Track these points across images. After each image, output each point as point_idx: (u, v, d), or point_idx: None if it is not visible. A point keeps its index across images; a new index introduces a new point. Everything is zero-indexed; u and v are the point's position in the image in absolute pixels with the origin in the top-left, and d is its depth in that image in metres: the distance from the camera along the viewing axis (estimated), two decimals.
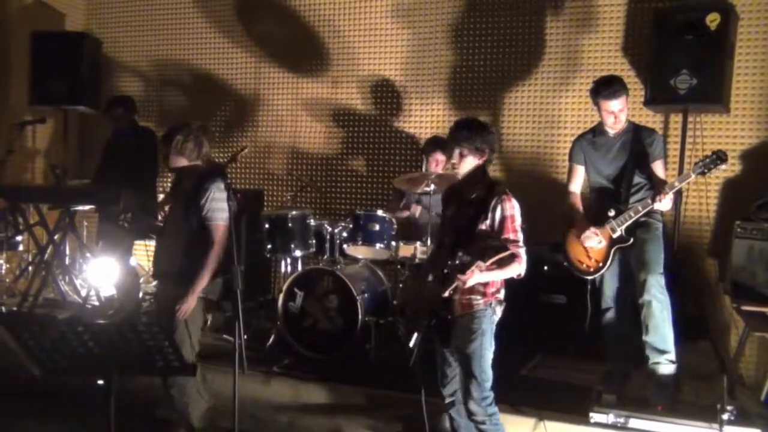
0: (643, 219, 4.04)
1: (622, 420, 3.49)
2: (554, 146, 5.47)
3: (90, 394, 2.71)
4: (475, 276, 3.02)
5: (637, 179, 4.07)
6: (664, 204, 3.86)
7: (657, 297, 3.97)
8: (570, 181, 4.31)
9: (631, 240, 4.01)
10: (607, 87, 4.00)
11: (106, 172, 5.65)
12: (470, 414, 3.22)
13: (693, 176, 3.80)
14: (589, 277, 4.17)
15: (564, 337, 4.49)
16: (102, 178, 5.70)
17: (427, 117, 5.88)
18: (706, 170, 3.76)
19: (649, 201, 3.89)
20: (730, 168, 4.96)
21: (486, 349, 3.19)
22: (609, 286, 4.18)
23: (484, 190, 3.25)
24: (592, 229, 4.03)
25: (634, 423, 3.48)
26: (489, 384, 3.20)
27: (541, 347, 4.26)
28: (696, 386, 3.83)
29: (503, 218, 3.15)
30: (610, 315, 4.21)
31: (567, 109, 5.42)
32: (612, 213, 4.02)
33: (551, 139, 5.48)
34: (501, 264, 3.02)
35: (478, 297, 3.20)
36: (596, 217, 4.10)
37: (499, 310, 3.24)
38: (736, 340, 4.66)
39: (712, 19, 4.53)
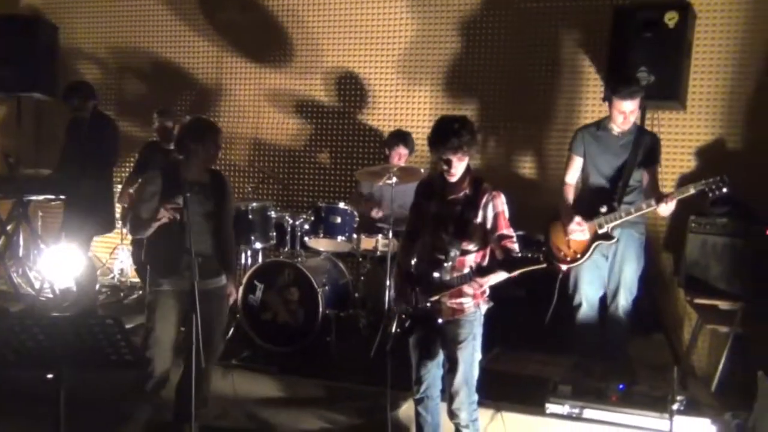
0: (631, 229, 4.10)
1: (577, 410, 3.56)
2: (514, 140, 5.51)
3: (39, 389, 2.64)
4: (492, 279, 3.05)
5: (633, 181, 4.12)
6: (669, 207, 3.89)
7: (626, 311, 4.16)
8: (567, 172, 4.31)
9: (615, 239, 4.06)
10: (626, 86, 4.02)
11: (68, 160, 5.50)
12: (453, 416, 3.21)
13: (693, 191, 3.86)
14: (564, 266, 4.21)
15: (523, 329, 4.53)
16: (64, 166, 5.54)
17: (390, 110, 5.87)
18: (707, 189, 3.81)
19: (651, 203, 3.92)
20: (686, 163, 5.07)
21: (476, 352, 3.20)
22: (584, 282, 4.23)
23: (472, 186, 3.19)
24: (578, 219, 4.06)
25: (588, 413, 3.55)
26: (475, 387, 3.20)
27: (500, 340, 4.29)
28: (650, 377, 3.91)
29: (496, 214, 3.12)
30: (583, 310, 4.27)
31: (527, 102, 5.46)
32: (604, 209, 4.04)
33: (513, 133, 5.51)
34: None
35: (468, 299, 3.17)
36: (586, 211, 4.13)
37: (485, 309, 3.23)
38: (689, 333, 4.78)
39: (671, 18, 4.61)
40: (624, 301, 4.16)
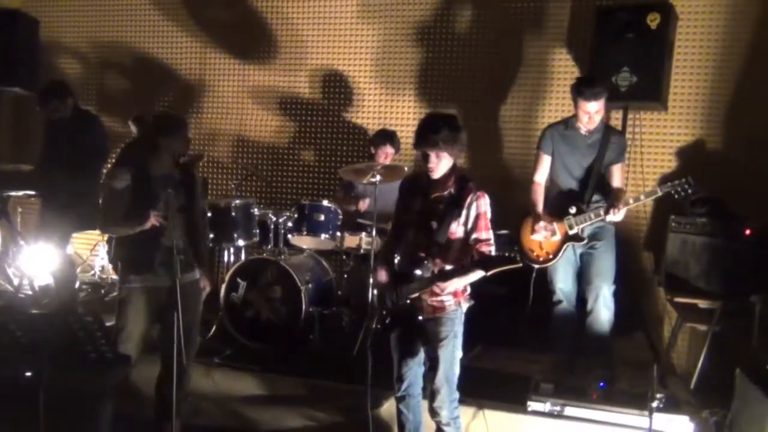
0: (601, 223, 4.13)
1: (558, 408, 3.58)
2: (499, 139, 5.53)
3: (18, 387, 2.61)
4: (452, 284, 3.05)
5: (601, 180, 4.15)
6: (619, 216, 3.95)
7: (607, 306, 4.17)
8: (536, 170, 4.34)
9: (585, 240, 4.10)
10: (589, 87, 4.04)
11: (49, 158, 5.42)
12: (435, 414, 3.22)
13: (660, 193, 3.92)
14: (537, 266, 4.24)
15: (504, 327, 4.55)
16: (45, 163, 5.46)
17: (375, 108, 5.87)
18: (673, 191, 3.87)
19: (601, 213, 3.98)
20: (667, 164, 5.12)
21: (457, 350, 3.20)
22: (561, 280, 4.26)
23: (457, 186, 3.19)
24: (542, 224, 4.09)
25: (569, 411, 3.57)
26: (456, 385, 3.21)
27: (481, 337, 4.31)
28: (630, 375, 3.95)
29: (478, 215, 3.12)
30: (560, 308, 4.30)
31: (510, 102, 5.48)
32: (573, 210, 4.08)
33: (495, 132, 5.54)
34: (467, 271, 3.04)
35: (449, 297, 3.16)
36: (556, 211, 4.17)
37: (466, 307, 3.24)
38: (669, 331, 4.83)
39: (653, 19, 4.65)
40: (607, 293, 4.17)
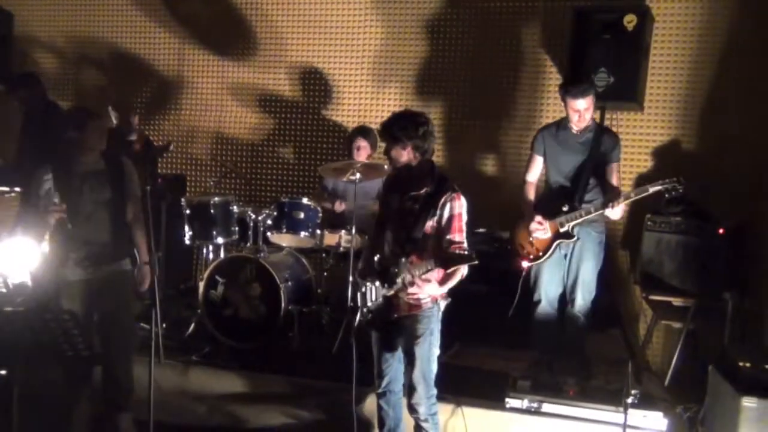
0: (589, 228, 4.17)
1: (535, 405, 3.62)
2: (478, 137, 5.56)
3: None
4: (427, 288, 3.07)
5: (593, 180, 4.18)
6: (616, 212, 3.98)
7: (582, 310, 4.22)
8: (527, 171, 4.39)
9: (576, 238, 4.14)
10: (575, 86, 4.10)
11: (25, 152, 5.34)
12: (413, 411, 3.24)
13: (650, 191, 3.95)
14: (526, 263, 4.27)
15: (483, 325, 4.58)
16: (22, 159, 5.38)
17: (355, 106, 5.86)
18: (663, 189, 3.91)
19: (599, 207, 4.02)
20: (643, 163, 5.19)
21: (434, 347, 3.21)
22: (546, 281, 4.29)
23: (434, 185, 3.20)
24: (538, 218, 4.13)
25: (547, 407, 3.61)
26: (433, 382, 3.23)
27: (460, 336, 4.34)
28: (606, 372, 4.00)
29: (451, 216, 3.13)
30: (541, 306, 4.33)
31: (490, 101, 5.51)
32: (566, 208, 4.12)
33: (477, 131, 5.57)
34: (450, 275, 3.08)
35: (426, 296, 3.17)
36: (548, 210, 4.20)
37: (443, 305, 3.25)
38: (645, 329, 4.90)
39: (629, 20, 4.70)
40: (581, 299, 4.23)
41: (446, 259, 2.99)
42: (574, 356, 4.25)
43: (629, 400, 3.11)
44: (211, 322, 4.64)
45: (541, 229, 4.13)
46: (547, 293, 4.32)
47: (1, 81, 5.88)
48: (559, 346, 4.32)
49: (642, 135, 5.19)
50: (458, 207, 3.15)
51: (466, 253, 2.97)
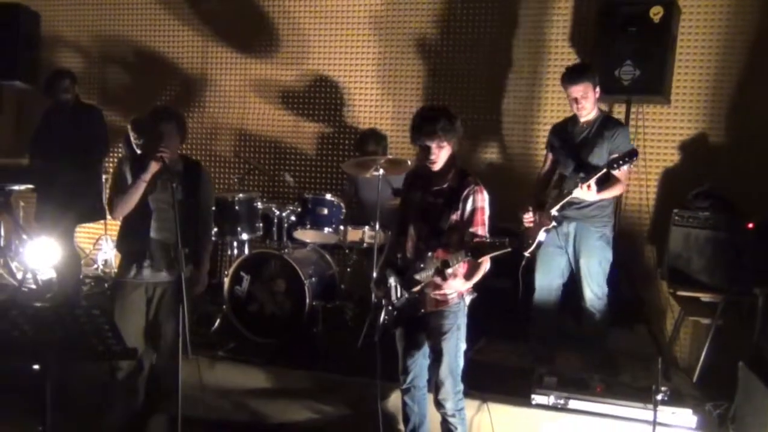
0: (587, 223, 4.09)
1: (562, 401, 3.59)
2: (502, 134, 5.53)
3: (24, 381, 2.61)
4: (453, 283, 3.03)
5: (588, 170, 4.07)
6: (585, 193, 3.86)
7: (594, 307, 4.16)
8: (541, 167, 4.40)
9: (556, 224, 4.06)
10: (570, 72, 4.07)
11: (44, 147, 5.39)
12: (440, 406, 3.23)
13: (605, 170, 3.84)
14: (526, 253, 4.23)
15: (508, 320, 4.57)
16: (38, 154, 5.43)
17: (376, 102, 5.86)
18: (617, 166, 3.80)
19: (571, 189, 3.93)
20: (670, 157, 5.12)
21: (461, 342, 3.20)
22: (537, 270, 4.28)
23: (456, 179, 3.18)
24: (528, 214, 4.11)
25: (573, 404, 3.59)
26: (460, 377, 3.21)
27: (485, 331, 4.32)
28: (633, 368, 3.96)
29: (474, 210, 3.11)
30: (535, 295, 4.31)
31: (512, 97, 5.48)
32: (553, 195, 4.11)
33: (499, 127, 5.54)
34: (476, 268, 3.04)
35: (452, 291, 3.16)
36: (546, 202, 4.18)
37: (469, 300, 3.23)
38: (671, 324, 4.84)
39: (656, 12, 4.65)
40: (591, 295, 4.15)
41: (478, 248, 2.92)
42: (592, 351, 4.22)
43: (659, 397, 3.07)
44: (237, 317, 4.67)
45: (527, 221, 4.11)
46: (540, 282, 4.27)
47: (29, 81, 5.97)
48: (570, 340, 4.28)
49: (669, 129, 5.12)
50: (480, 200, 3.14)
51: (496, 241, 2.90)
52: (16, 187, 5.69)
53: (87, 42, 6.62)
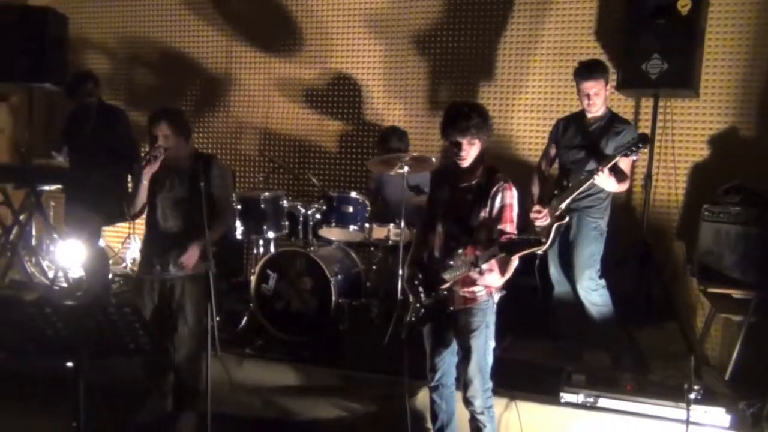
0: (585, 213, 4.07)
1: (591, 399, 3.56)
2: (527, 130, 5.49)
3: (58, 377, 2.66)
4: (488, 278, 3.00)
5: (593, 165, 4.04)
6: (602, 180, 3.83)
7: (590, 300, 4.12)
8: (541, 158, 4.37)
9: (567, 219, 4.04)
10: (584, 68, 4.04)
11: (70, 151, 5.47)
12: (468, 404, 3.21)
13: (618, 157, 3.82)
14: (539, 251, 4.19)
15: (534, 318, 4.54)
16: (69, 155, 5.51)
17: (401, 100, 5.85)
18: (629, 152, 3.79)
19: (587, 176, 3.91)
20: (699, 152, 5.04)
21: (490, 340, 3.18)
22: (551, 268, 4.26)
23: (485, 176, 3.15)
24: (536, 207, 4.09)
25: (603, 402, 3.55)
26: (489, 374, 3.20)
27: (511, 328, 4.29)
28: (663, 366, 3.91)
29: (503, 206, 3.08)
30: (553, 293, 4.29)
31: (536, 92, 5.44)
32: (557, 191, 4.07)
33: (525, 123, 5.50)
34: (508, 264, 3.00)
35: (481, 288, 3.14)
36: (547, 197, 4.16)
37: (497, 297, 3.21)
38: (702, 322, 4.77)
39: (684, 4, 4.58)
40: (584, 286, 4.11)
41: (512, 244, 2.88)
42: (621, 349, 4.19)
43: (692, 396, 3.03)
44: (263, 315, 4.69)
45: (540, 218, 4.07)
46: (555, 278, 4.27)
47: (58, 83, 6.06)
48: (595, 336, 4.24)
49: (697, 123, 5.05)
50: (509, 197, 3.11)
51: (531, 237, 2.88)
52: (46, 187, 5.80)
53: (113, 43, 6.71)
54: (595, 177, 3.85)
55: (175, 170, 3.66)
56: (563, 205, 4.01)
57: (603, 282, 4.15)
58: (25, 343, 2.56)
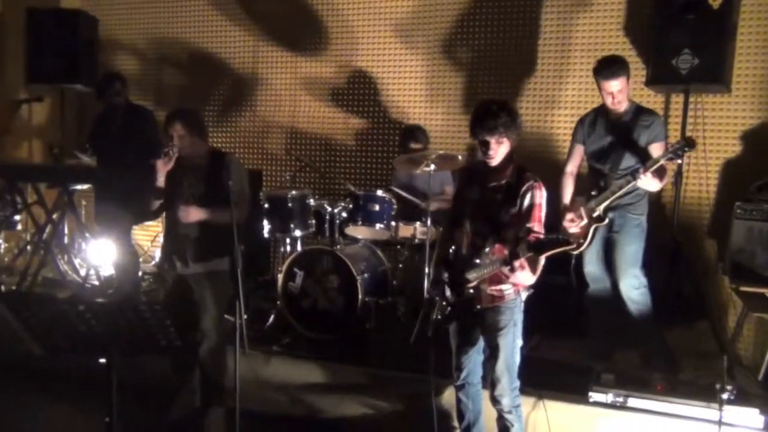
0: (625, 211, 4.02)
1: (621, 399, 3.52)
2: (554, 127, 5.44)
3: (91, 373, 2.71)
4: (520, 275, 2.96)
5: (628, 162, 4.00)
6: (646, 182, 3.79)
7: (631, 298, 4.07)
8: (567, 161, 4.30)
9: (606, 221, 4.00)
10: (606, 67, 3.97)
11: (98, 151, 5.55)
12: (496, 402, 3.20)
13: (662, 161, 3.75)
14: (575, 252, 4.17)
15: (562, 317, 4.50)
16: (97, 157, 5.61)
17: (426, 98, 5.84)
18: (674, 156, 3.73)
19: (630, 179, 3.85)
20: (731, 148, 4.95)
21: (517, 338, 3.17)
22: (587, 263, 4.21)
23: (515, 175, 3.13)
24: (569, 216, 4.05)
25: (632, 402, 3.51)
26: (516, 373, 3.19)
27: (539, 327, 4.26)
28: (694, 366, 3.85)
29: (531, 206, 3.06)
30: (589, 292, 4.25)
31: (569, 89, 5.39)
32: (594, 192, 4.02)
33: (551, 120, 5.45)
34: (537, 263, 2.97)
35: (508, 286, 3.12)
36: (587, 195, 4.10)
37: (525, 295, 3.20)
38: (734, 321, 4.69)
39: None
40: (627, 285, 4.07)
41: (541, 244, 2.85)
42: (651, 348, 4.13)
43: (725, 396, 2.97)
44: (290, 313, 4.73)
45: (573, 225, 4.03)
46: (591, 275, 4.22)
47: (89, 84, 6.16)
48: (627, 335, 4.19)
49: (729, 118, 4.96)
50: (539, 197, 3.09)
51: (560, 237, 2.83)
52: (78, 187, 5.91)
53: (142, 44, 6.81)
54: (638, 180, 3.79)
55: (192, 168, 3.73)
56: (602, 207, 3.97)
57: (645, 281, 4.10)
58: (59, 340, 2.60)
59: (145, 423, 3.69)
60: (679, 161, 3.82)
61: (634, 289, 4.07)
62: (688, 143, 3.70)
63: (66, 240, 6.20)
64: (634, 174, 3.82)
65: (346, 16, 6.03)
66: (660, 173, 3.86)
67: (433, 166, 4.53)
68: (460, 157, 4.64)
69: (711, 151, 4.94)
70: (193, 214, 3.66)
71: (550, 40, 5.42)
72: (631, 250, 4.05)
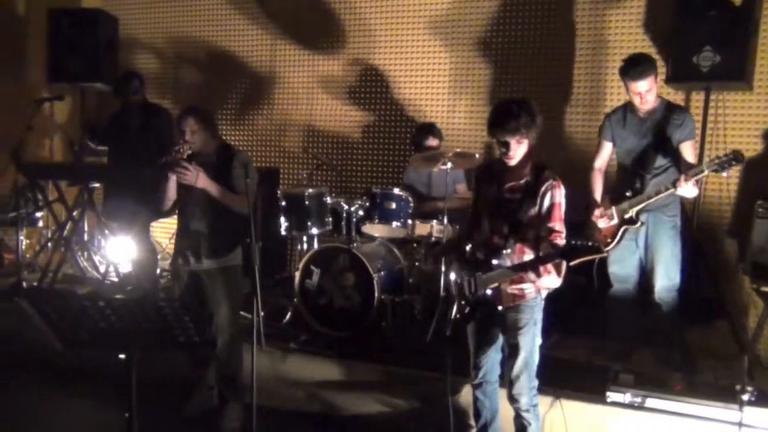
0: (660, 213, 3.99)
1: (639, 399, 3.49)
2: (575, 125, 5.41)
3: (111, 369, 2.74)
4: (545, 279, 2.95)
5: (661, 161, 3.98)
6: (688, 189, 3.75)
7: (663, 299, 4.05)
8: (596, 157, 4.26)
9: (640, 223, 3.98)
10: (633, 67, 3.91)
11: (114, 149, 5.60)
12: (514, 401, 3.20)
13: (706, 172, 3.71)
14: (598, 258, 4.13)
15: (581, 316, 4.47)
16: (113, 155, 5.65)
17: (443, 97, 5.83)
18: (720, 169, 3.67)
19: (669, 186, 3.82)
20: (752, 147, 4.89)
21: (537, 337, 3.16)
22: (613, 262, 4.17)
23: (534, 174, 3.12)
24: (600, 210, 4.02)
25: (651, 402, 3.48)
26: (535, 372, 3.18)
27: (558, 326, 4.24)
28: (714, 367, 3.81)
29: (552, 205, 3.05)
30: (612, 291, 4.21)
31: (588, 87, 5.35)
32: (629, 193, 3.99)
33: (573, 118, 5.42)
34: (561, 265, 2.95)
35: (529, 285, 3.11)
36: (616, 195, 4.08)
37: (545, 294, 3.18)
38: (754, 321, 4.63)
39: None
40: (661, 287, 4.04)
41: (571, 251, 2.84)
42: (670, 349, 4.09)
43: (745, 397, 2.94)
44: (307, 310, 4.75)
45: (602, 220, 4.00)
46: (616, 276, 4.18)
47: (109, 83, 6.22)
48: (646, 336, 4.16)
49: (751, 116, 4.89)
50: (558, 196, 3.07)
51: (591, 244, 2.83)
52: (98, 184, 5.97)
53: (161, 43, 6.86)
54: (678, 188, 3.76)
55: (202, 165, 3.74)
56: (635, 209, 3.95)
57: (679, 283, 4.07)
58: (80, 336, 2.63)
59: (164, 419, 3.73)
60: (725, 174, 3.75)
61: (667, 291, 4.05)
62: (736, 157, 3.63)
63: (86, 237, 6.27)
64: (674, 183, 3.78)
65: (364, 14, 6.04)
66: (698, 180, 3.82)
67: (450, 164, 4.52)
68: (477, 156, 4.63)
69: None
70: (202, 178, 3.65)
71: (580, 38, 5.36)
72: (666, 252, 4.02)
